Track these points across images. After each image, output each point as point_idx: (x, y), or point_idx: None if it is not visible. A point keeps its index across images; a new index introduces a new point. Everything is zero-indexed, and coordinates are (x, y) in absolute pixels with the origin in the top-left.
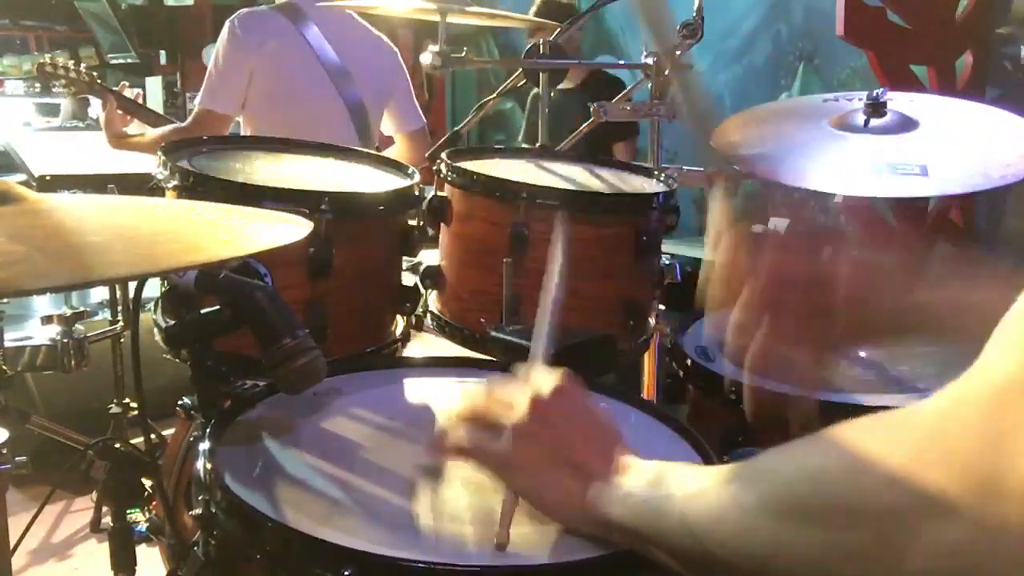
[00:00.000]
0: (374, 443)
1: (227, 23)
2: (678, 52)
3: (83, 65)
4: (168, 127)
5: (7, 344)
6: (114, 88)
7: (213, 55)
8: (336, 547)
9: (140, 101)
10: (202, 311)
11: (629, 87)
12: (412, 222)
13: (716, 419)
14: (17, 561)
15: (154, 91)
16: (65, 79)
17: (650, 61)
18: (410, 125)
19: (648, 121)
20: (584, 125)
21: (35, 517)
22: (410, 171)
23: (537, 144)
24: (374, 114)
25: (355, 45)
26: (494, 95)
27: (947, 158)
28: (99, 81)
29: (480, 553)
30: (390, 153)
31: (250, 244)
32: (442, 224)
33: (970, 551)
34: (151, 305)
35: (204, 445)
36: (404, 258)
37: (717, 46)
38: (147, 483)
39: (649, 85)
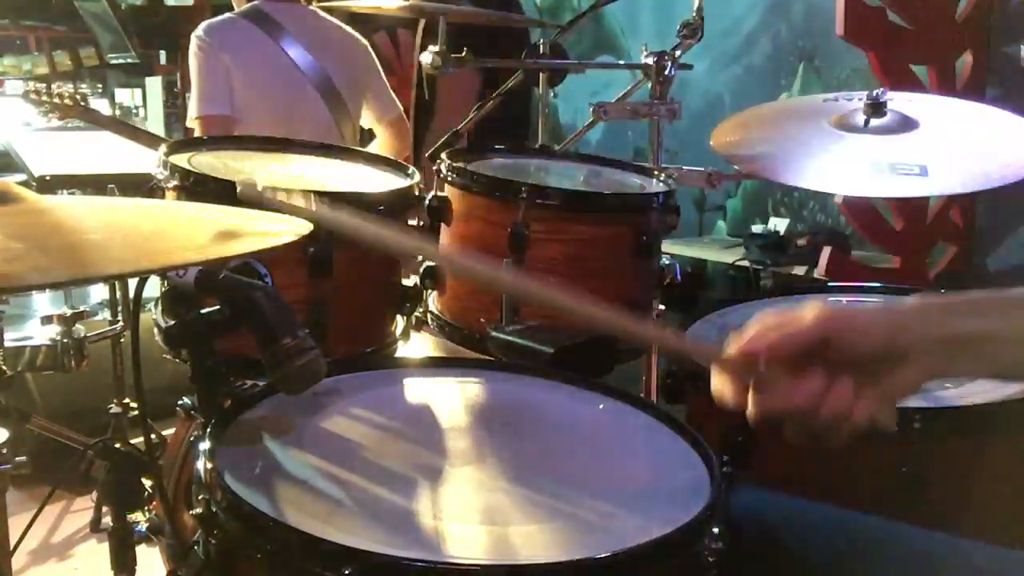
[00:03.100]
0: (374, 443)
1: (192, 37)
2: None
3: (68, 87)
4: None
5: (7, 344)
6: (97, 110)
7: (191, 71)
8: (336, 547)
9: (138, 101)
10: (202, 311)
11: (629, 87)
12: (413, 222)
13: (716, 419)
14: (17, 561)
15: (154, 91)
16: (49, 104)
17: (650, 61)
18: (389, 113)
19: (648, 121)
20: (584, 126)
21: (35, 517)
22: (410, 171)
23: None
24: (353, 109)
25: (325, 42)
26: (494, 95)
27: (947, 158)
28: (83, 103)
29: (480, 553)
30: (373, 147)
31: (250, 244)
32: (442, 224)
33: None
34: (151, 305)
35: (204, 445)
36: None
37: (717, 46)
38: (147, 483)
39: (649, 85)
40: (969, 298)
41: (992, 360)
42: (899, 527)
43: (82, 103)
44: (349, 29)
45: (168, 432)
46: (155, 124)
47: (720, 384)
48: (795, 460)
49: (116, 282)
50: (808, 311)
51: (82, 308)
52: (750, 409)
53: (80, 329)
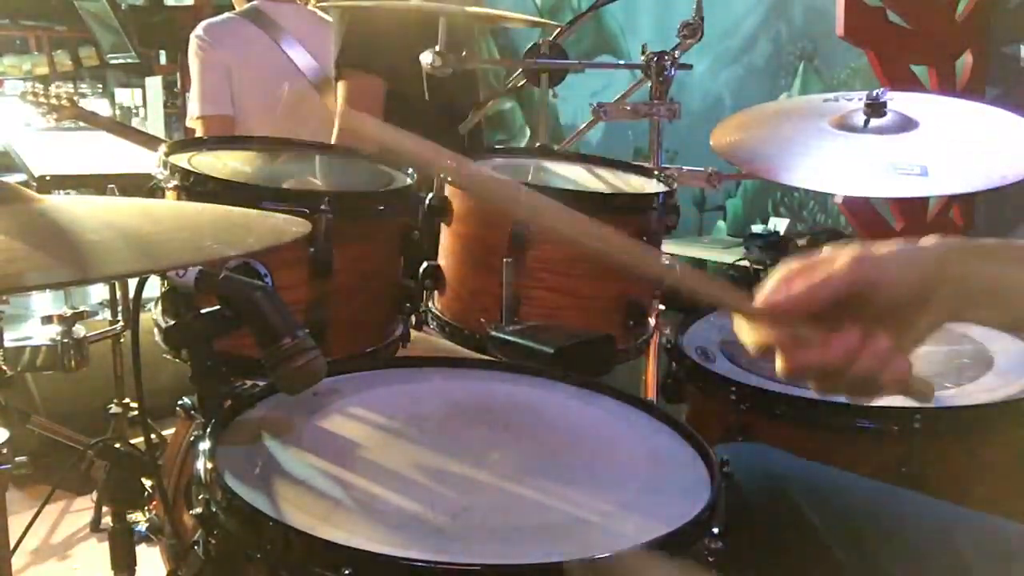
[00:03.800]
0: (374, 443)
1: (192, 37)
2: None
3: (66, 87)
4: None
5: (7, 344)
6: (95, 111)
7: (191, 71)
8: (336, 546)
9: (138, 101)
10: (202, 311)
11: (629, 87)
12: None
13: (716, 419)
14: (17, 561)
15: (154, 91)
16: (47, 106)
17: (650, 61)
18: None
19: (648, 121)
20: (584, 126)
21: (35, 517)
22: (410, 171)
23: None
24: None
25: (324, 42)
26: (494, 95)
27: (947, 158)
28: (78, 104)
29: (480, 552)
30: None
31: (250, 244)
32: (442, 224)
33: None
34: (151, 305)
35: (204, 445)
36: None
37: (717, 46)
38: (147, 483)
39: (649, 85)
40: (988, 243)
41: (1006, 309)
42: (907, 493)
43: (79, 104)
44: None
45: (168, 432)
46: (155, 124)
47: (749, 335)
48: None
49: (116, 282)
50: (836, 259)
51: (82, 308)
52: (779, 365)
53: (80, 329)
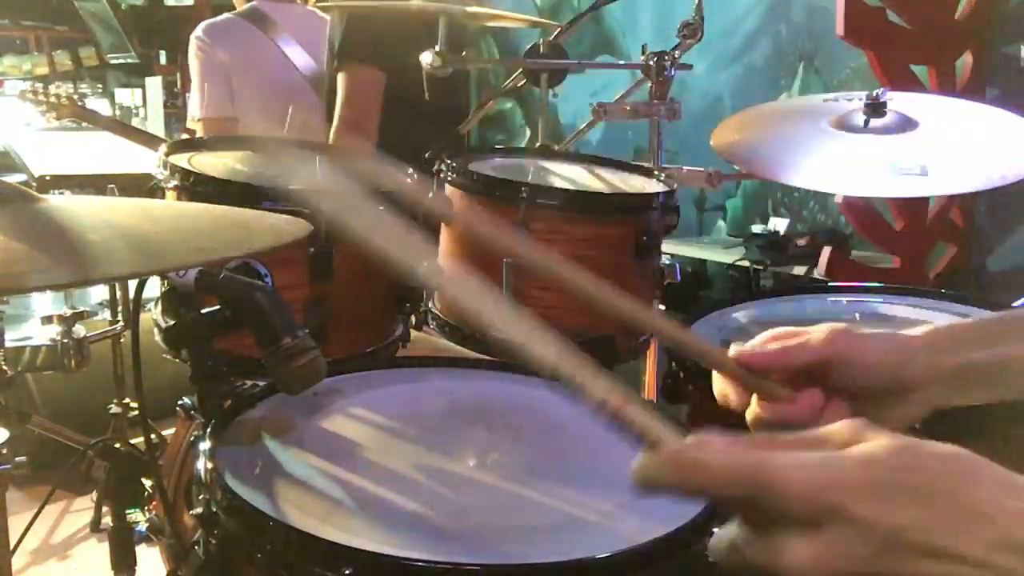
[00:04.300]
0: (374, 443)
1: (192, 37)
2: None
3: (66, 87)
4: None
5: (7, 344)
6: (95, 110)
7: (191, 72)
8: (336, 546)
9: (138, 101)
10: (202, 311)
11: (628, 87)
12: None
13: (716, 419)
14: (17, 561)
15: (154, 91)
16: (46, 104)
17: (650, 61)
18: None
19: (648, 121)
20: (584, 126)
21: (35, 517)
22: (410, 171)
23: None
24: None
25: (323, 42)
26: (494, 95)
27: (947, 158)
28: (80, 103)
29: (480, 552)
30: None
31: (250, 244)
32: (442, 224)
33: None
34: (151, 305)
35: (204, 445)
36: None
37: (717, 46)
38: (147, 483)
39: (649, 85)
40: (981, 323)
41: (1007, 386)
42: None
43: (79, 103)
44: None
45: (168, 432)
46: (155, 124)
47: (722, 387)
48: None
49: (116, 282)
50: (818, 330)
51: (82, 308)
52: (749, 416)
53: (80, 329)
